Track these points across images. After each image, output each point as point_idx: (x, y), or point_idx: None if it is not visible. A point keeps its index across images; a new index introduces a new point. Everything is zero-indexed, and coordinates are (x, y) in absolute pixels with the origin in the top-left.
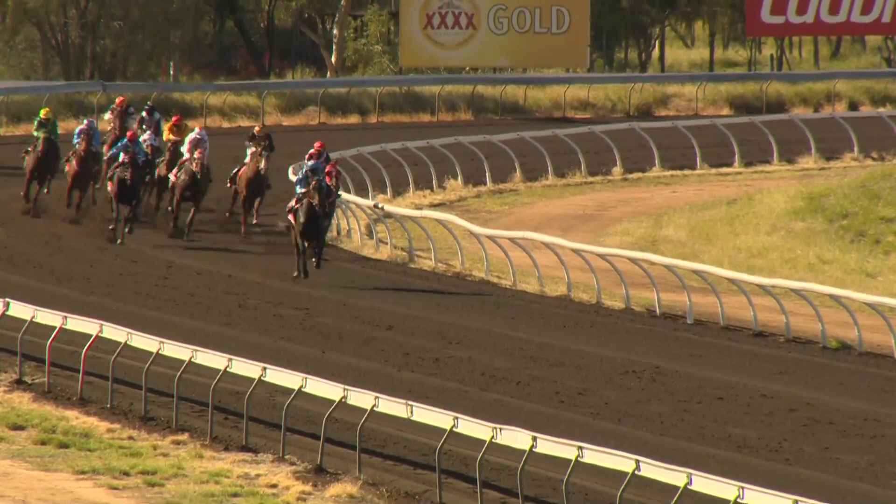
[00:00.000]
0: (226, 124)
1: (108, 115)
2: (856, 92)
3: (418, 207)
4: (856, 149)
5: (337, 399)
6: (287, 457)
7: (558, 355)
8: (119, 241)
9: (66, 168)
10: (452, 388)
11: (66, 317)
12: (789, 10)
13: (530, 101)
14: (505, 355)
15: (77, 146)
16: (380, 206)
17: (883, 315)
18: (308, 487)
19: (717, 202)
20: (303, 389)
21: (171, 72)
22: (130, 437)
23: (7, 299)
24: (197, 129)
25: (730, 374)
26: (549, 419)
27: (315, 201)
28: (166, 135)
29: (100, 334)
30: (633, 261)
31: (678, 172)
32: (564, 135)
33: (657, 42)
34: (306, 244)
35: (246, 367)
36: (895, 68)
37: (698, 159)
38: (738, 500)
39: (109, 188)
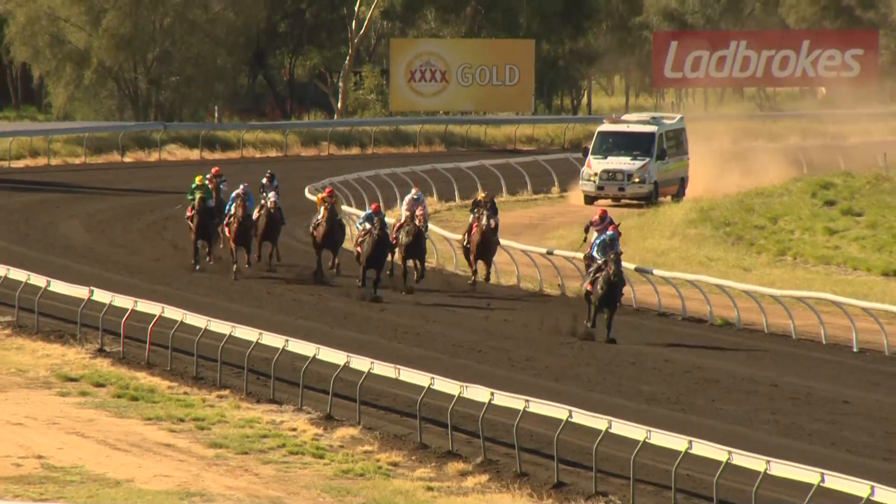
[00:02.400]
0: (258, 154)
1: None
2: (732, 130)
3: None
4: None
5: (342, 363)
6: (304, 407)
7: (510, 330)
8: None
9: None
10: (430, 355)
11: (136, 301)
12: (686, 68)
13: (489, 137)
14: (469, 331)
15: (235, 209)
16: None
17: (756, 299)
18: (320, 430)
19: (631, 213)
20: (317, 357)
21: (216, 115)
22: (185, 393)
23: (92, 287)
24: (414, 190)
25: (639, 345)
26: (503, 379)
27: (611, 271)
28: (319, 204)
29: (162, 314)
30: (568, 258)
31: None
32: (515, 162)
33: (585, 91)
34: (601, 310)
35: (273, 339)
36: (765, 112)
37: None
38: (647, 440)
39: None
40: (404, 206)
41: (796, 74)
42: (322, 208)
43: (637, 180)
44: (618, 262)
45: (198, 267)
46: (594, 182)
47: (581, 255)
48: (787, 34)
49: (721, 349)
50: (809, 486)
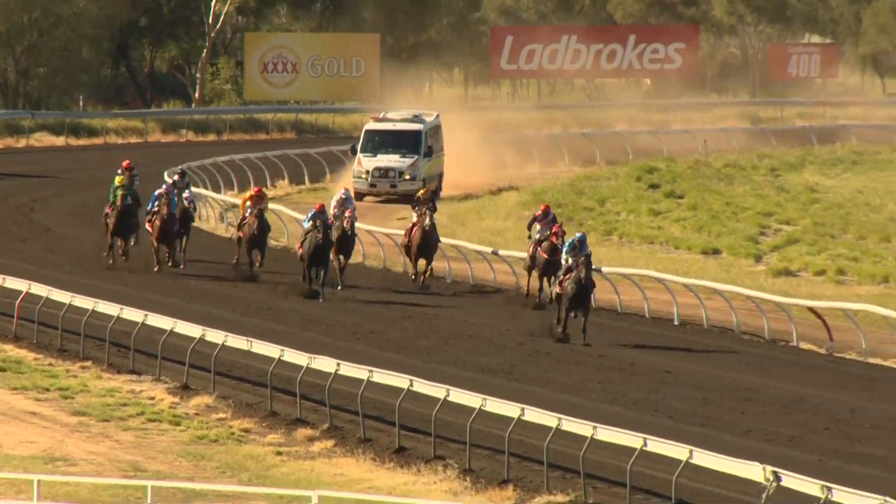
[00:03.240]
0: (120, 141)
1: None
2: (566, 118)
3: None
4: (567, 158)
5: (198, 336)
6: (162, 378)
7: (356, 305)
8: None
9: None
10: (281, 329)
11: (4, 278)
12: (521, 60)
13: (336, 125)
14: (318, 307)
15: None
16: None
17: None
18: (177, 399)
19: (466, 195)
20: (174, 330)
21: (81, 104)
22: (50, 364)
23: None
24: (342, 190)
25: (475, 318)
26: (348, 350)
27: (582, 274)
28: (244, 203)
29: (28, 291)
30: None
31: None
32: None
33: (427, 82)
34: (572, 314)
35: (132, 314)
36: (594, 101)
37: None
38: (482, 408)
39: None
40: (333, 206)
41: (623, 67)
42: (250, 209)
43: (408, 177)
44: (588, 264)
45: (111, 262)
46: (366, 179)
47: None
48: (615, 29)
49: (551, 321)
50: (633, 450)
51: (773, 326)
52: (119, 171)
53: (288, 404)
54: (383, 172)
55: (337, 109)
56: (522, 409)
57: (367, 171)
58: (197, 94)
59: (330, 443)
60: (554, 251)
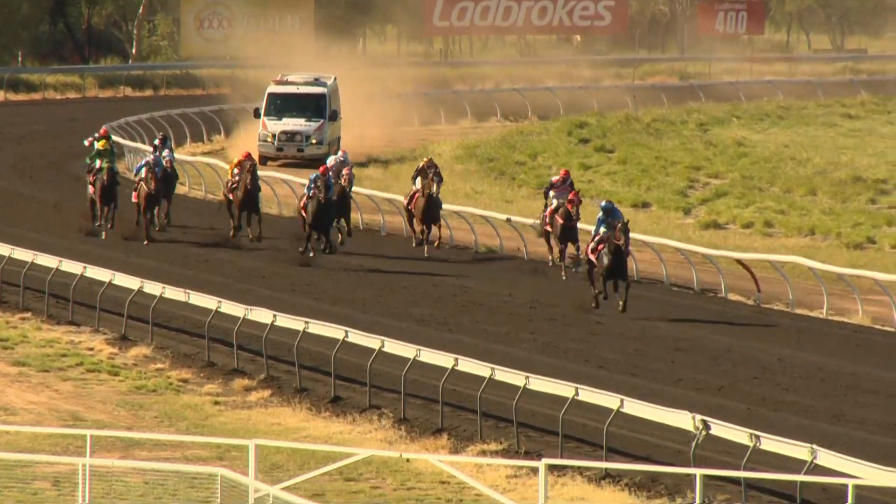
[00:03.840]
0: (58, 96)
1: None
2: (497, 74)
3: (193, 154)
4: (499, 113)
5: (136, 288)
6: (101, 329)
7: (293, 255)
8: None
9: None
10: (217, 280)
11: None
12: (453, 18)
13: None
14: (253, 258)
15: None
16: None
17: (518, 229)
18: (115, 350)
19: (402, 151)
20: (112, 282)
21: (20, 60)
22: None
23: None
24: (340, 152)
25: (412, 270)
26: (286, 303)
27: (621, 242)
28: (231, 168)
29: None
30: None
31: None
32: None
33: (361, 39)
34: (606, 284)
35: (72, 266)
36: (525, 58)
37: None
38: (417, 358)
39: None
40: (330, 166)
41: (553, 23)
42: (242, 173)
43: (315, 141)
44: (626, 231)
45: (98, 226)
46: (272, 143)
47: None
48: None
49: (485, 273)
50: (565, 399)
51: (701, 278)
52: (96, 136)
53: (225, 355)
54: (290, 136)
55: (272, 65)
56: (456, 360)
57: (273, 135)
58: (134, 51)
59: (266, 392)
60: (569, 217)
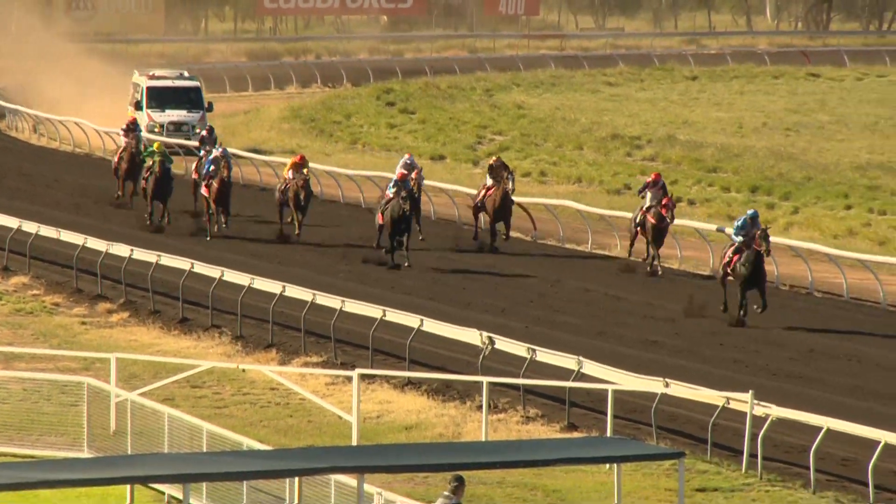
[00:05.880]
0: None
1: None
2: (318, 48)
3: None
4: (319, 80)
5: (16, 227)
6: None
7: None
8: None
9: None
10: (83, 222)
11: None
12: (280, 0)
13: (128, 53)
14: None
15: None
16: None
17: (335, 178)
18: None
19: (237, 112)
20: None
21: None
22: None
23: None
24: (407, 156)
25: (248, 217)
26: (144, 239)
27: (762, 248)
28: (287, 171)
29: None
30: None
31: (219, 93)
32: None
33: (204, 18)
34: (745, 294)
35: None
36: (341, 34)
37: (227, 86)
38: (251, 285)
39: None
40: (398, 168)
41: (364, 6)
42: (297, 175)
43: (198, 130)
44: (766, 237)
45: (149, 223)
46: (160, 133)
47: (636, 218)
48: None
49: (309, 222)
50: (374, 319)
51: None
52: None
53: (91, 283)
54: (177, 126)
55: (130, 40)
56: (283, 287)
57: (162, 125)
58: None
59: (125, 314)
60: (661, 219)
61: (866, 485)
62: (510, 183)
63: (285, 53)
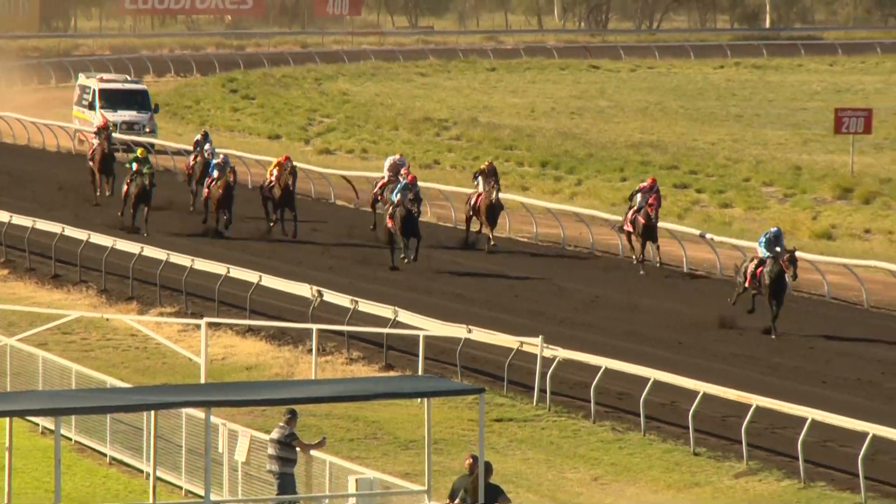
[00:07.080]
0: None
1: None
2: (172, 43)
3: None
4: (173, 71)
5: None
6: None
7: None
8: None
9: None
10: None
11: None
12: (139, 1)
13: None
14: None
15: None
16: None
17: (251, 158)
18: None
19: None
20: None
21: None
22: None
23: None
24: (398, 155)
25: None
26: (45, 215)
27: (789, 272)
28: (271, 169)
29: None
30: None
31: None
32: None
33: (73, 17)
34: (771, 303)
35: None
36: (192, 31)
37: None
38: (114, 246)
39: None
40: (386, 168)
41: (211, 6)
42: (283, 174)
43: (148, 130)
44: (794, 261)
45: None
46: (114, 131)
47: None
48: None
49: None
50: (220, 275)
51: (318, 189)
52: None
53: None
54: (130, 125)
55: (8, 36)
56: (142, 248)
57: (115, 124)
58: None
59: (5, 271)
60: (649, 218)
61: (639, 415)
62: (494, 192)
63: (143, 48)
